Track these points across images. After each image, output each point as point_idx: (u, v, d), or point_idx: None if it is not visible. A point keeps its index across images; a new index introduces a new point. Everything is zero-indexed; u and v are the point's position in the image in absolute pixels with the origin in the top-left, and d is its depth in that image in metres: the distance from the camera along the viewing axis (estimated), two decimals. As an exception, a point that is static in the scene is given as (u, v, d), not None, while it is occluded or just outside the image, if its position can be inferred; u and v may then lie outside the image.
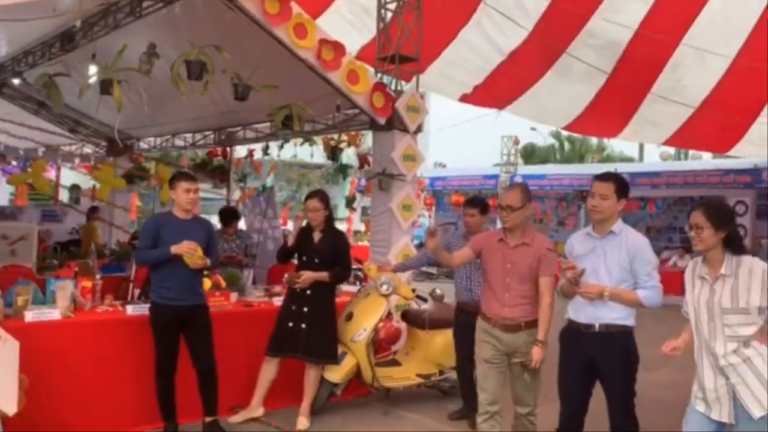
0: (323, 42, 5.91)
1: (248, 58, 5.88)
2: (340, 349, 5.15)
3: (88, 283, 4.88)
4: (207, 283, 5.08)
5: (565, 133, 24.39)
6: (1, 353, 3.43)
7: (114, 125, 7.69)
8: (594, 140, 30.23)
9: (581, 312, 3.61)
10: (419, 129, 6.74)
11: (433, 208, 21.91)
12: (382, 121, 6.49)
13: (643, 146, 28.01)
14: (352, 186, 12.69)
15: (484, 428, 3.94)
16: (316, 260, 4.95)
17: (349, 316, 5.33)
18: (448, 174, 22.37)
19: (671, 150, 21.46)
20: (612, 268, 3.56)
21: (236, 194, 10.54)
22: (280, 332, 4.95)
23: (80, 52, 6.90)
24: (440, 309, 5.87)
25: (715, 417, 3.07)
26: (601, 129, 12.31)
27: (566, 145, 32.79)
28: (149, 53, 5.76)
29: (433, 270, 15.83)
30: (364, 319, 5.27)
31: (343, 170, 8.75)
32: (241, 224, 9.14)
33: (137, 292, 5.27)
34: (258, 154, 9.98)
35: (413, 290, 5.72)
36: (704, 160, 19.22)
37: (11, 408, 3.15)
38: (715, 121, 10.06)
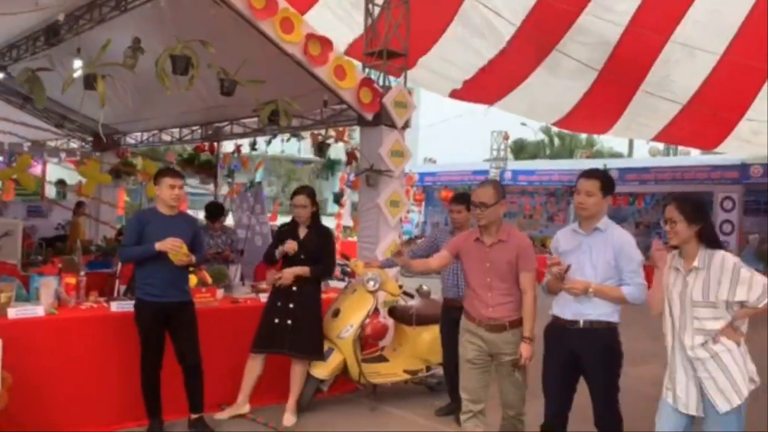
0: (310, 37, 5.88)
1: (234, 53, 5.84)
2: (327, 346, 5.13)
3: (72, 280, 4.83)
4: (193, 280, 5.05)
5: (555, 128, 24.50)
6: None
7: (99, 120, 7.63)
8: (583, 136, 30.36)
9: (566, 308, 3.61)
10: (407, 125, 6.72)
11: (423, 203, 21.93)
12: (369, 116, 6.47)
13: (632, 142, 28.20)
14: (341, 182, 12.66)
15: (468, 427, 3.93)
16: (302, 256, 4.93)
17: (336, 313, 5.31)
18: (437, 170, 22.38)
19: (660, 146, 21.56)
20: (597, 265, 3.56)
21: (224, 190, 10.49)
22: (266, 328, 4.92)
23: (65, 46, 6.84)
24: (427, 305, 5.86)
25: (683, 409, 3.12)
26: (590, 125, 12.36)
27: (556, 141, 32.91)
28: (133, 48, 5.71)
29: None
30: (351, 316, 5.25)
31: (331, 166, 8.72)
32: (229, 220, 9.10)
33: (123, 288, 5.24)
34: (245, 150, 9.93)
35: (400, 286, 5.72)
36: (692, 156, 19.35)
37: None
38: (703, 118, 10.12)
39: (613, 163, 18.13)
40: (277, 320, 4.90)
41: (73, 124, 10.57)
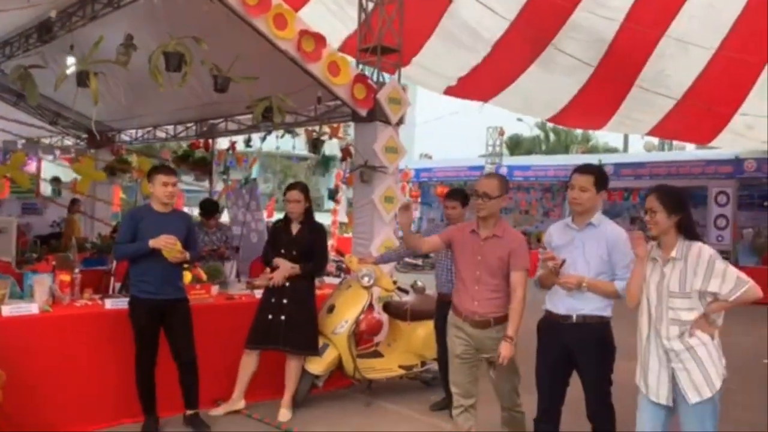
0: (303, 33, 5.88)
1: (228, 50, 5.82)
2: (322, 341, 5.15)
3: (66, 277, 4.83)
4: (187, 277, 5.05)
5: (550, 124, 24.51)
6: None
7: (92, 117, 7.61)
8: (579, 131, 30.41)
9: (559, 303, 3.62)
10: (401, 121, 6.72)
11: (419, 199, 21.92)
12: (363, 112, 6.47)
13: (627, 137, 28.24)
14: (337, 178, 12.65)
15: (459, 422, 3.94)
16: (294, 252, 4.94)
17: (331, 308, 5.33)
18: (433, 165, 22.38)
19: (655, 141, 21.60)
20: (591, 260, 3.58)
21: (219, 186, 10.48)
22: (260, 324, 4.94)
23: (58, 43, 6.82)
24: (422, 301, 5.88)
25: (653, 398, 3.16)
26: (586, 120, 12.37)
27: (551, 136, 32.95)
28: (126, 44, 5.69)
29: (419, 261, 15.85)
30: (346, 311, 5.27)
31: (326, 162, 8.73)
32: (225, 217, 9.10)
33: (118, 285, 5.24)
34: (240, 146, 9.92)
35: (395, 282, 5.73)
36: (687, 151, 19.38)
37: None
38: (698, 112, 10.14)
39: (608, 158, 18.16)
40: (270, 316, 4.91)
41: (67, 121, 10.53)
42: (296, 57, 5.91)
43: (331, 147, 8.58)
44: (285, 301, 4.91)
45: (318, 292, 5.32)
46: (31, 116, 10.16)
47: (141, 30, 6.15)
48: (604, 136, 31.58)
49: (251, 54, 5.85)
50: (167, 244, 4.29)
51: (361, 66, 6.88)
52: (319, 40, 5.98)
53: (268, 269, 5.16)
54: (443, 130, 27.75)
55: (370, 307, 5.55)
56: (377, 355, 5.80)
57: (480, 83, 9.79)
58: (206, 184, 10.65)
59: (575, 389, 3.70)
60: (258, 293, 5.36)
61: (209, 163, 10.35)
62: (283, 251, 4.98)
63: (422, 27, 8.49)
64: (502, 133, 20.95)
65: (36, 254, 7.21)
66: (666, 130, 11.34)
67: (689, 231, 3.16)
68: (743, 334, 8.08)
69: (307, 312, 5.03)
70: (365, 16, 7.06)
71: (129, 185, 14.61)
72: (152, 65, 5.32)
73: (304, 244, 4.96)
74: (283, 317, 4.89)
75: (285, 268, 4.90)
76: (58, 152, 11.77)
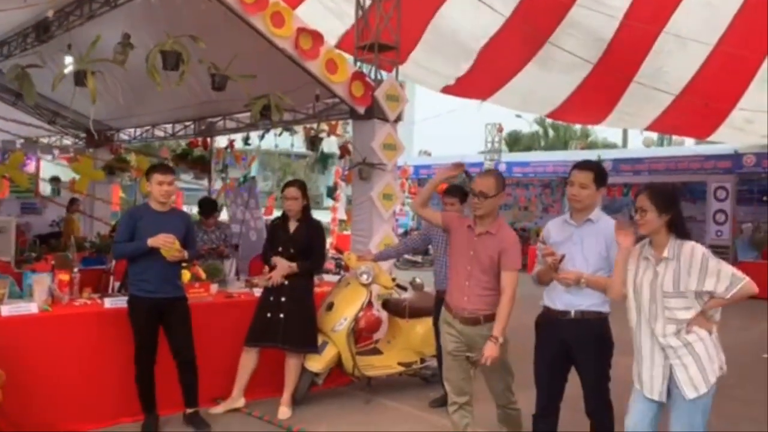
0: (301, 31, 5.87)
1: (225, 48, 5.83)
2: (321, 339, 5.15)
3: (65, 277, 4.83)
4: (186, 275, 5.06)
5: (549, 120, 24.52)
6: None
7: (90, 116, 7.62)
8: (578, 127, 30.41)
9: (557, 299, 3.63)
10: (399, 118, 6.72)
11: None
12: (361, 110, 6.47)
13: (626, 132, 28.24)
14: (335, 175, 12.63)
15: (455, 419, 3.94)
16: (291, 250, 4.95)
17: (330, 306, 5.33)
18: (432, 162, 22.34)
19: (654, 136, 21.60)
20: (589, 256, 3.57)
21: (218, 185, 10.48)
22: (259, 322, 4.95)
23: (56, 42, 6.81)
24: (420, 298, 5.89)
25: (647, 394, 3.16)
26: (584, 116, 12.37)
27: (550, 132, 32.93)
28: (123, 44, 5.69)
29: (418, 258, 15.86)
30: (345, 309, 5.27)
31: (324, 160, 8.72)
32: (224, 215, 9.10)
33: (117, 284, 5.24)
34: (239, 145, 9.92)
35: (393, 279, 5.73)
36: (686, 146, 19.38)
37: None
38: (696, 108, 10.13)
39: (607, 154, 18.16)
40: (269, 315, 4.92)
41: (66, 120, 10.52)
42: (294, 55, 5.91)
43: (330, 144, 8.55)
44: (284, 299, 4.91)
45: (317, 289, 5.32)
46: (30, 116, 10.14)
47: (138, 29, 6.15)
48: (603, 131, 31.62)
49: (249, 52, 5.86)
50: (165, 243, 4.30)
51: (358, 63, 6.87)
52: (317, 37, 5.98)
53: (267, 268, 5.16)
54: (442, 127, 27.74)
55: (369, 304, 5.55)
56: (376, 352, 5.81)
57: (478, 82, 9.78)
58: (205, 182, 10.64)
59: (574, 386, 3.70)
60: (257, 291, 5.37)
61: (208, 162, 10.34)
62: (280, 249, 4.99)
63: (419, 23, 8.48)
64: (500, 130, 20.96)
65: (35, 254, 7.22)
66: (665, 125, 11.34)
67: (680, 230, 3.15)
68: (742, 329, 8.11)
69: (306, 310, 5.03)
70: (362, 14, 7.06)
71: (128, 184, 14.63)
72: (149, 64, 5.32)
73: (302, 241, 4.97)
74: (282, 315, 4.90)
75: (282, 267, 4.90)
76: (56, 152, 11.77)
